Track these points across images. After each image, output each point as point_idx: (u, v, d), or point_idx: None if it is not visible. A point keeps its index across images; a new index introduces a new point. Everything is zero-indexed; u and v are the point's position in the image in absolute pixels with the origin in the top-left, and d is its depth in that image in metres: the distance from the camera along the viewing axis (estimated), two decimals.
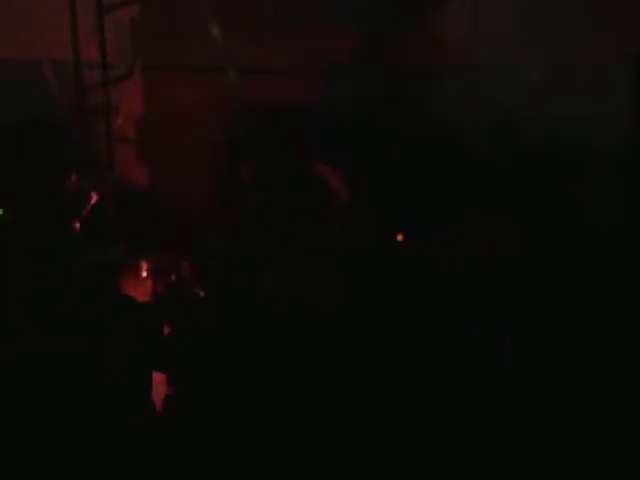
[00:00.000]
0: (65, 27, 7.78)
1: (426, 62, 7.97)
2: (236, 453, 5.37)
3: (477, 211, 7.12)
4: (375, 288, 6.65)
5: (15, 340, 5.55)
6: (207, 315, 6.58)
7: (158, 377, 5.44)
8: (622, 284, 6.69)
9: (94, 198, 6.46)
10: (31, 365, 5.30)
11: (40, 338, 5.43)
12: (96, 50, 7.75)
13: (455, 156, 7.51)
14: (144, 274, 6.77)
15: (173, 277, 6.88)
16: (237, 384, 5.92)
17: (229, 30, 7.86)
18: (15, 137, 7.15)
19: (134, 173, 7.94)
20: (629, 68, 7.61)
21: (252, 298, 6.66)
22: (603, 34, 7.72)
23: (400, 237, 7.27)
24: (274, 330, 6.53)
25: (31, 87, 8.08)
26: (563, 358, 6.09)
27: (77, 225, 6.09)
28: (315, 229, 7.00)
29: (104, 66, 7.71)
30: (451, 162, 7.46)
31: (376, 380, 5.93)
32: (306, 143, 7.51)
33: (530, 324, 6.33)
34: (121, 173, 7.80)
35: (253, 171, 7.41)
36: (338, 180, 7.30)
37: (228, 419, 5.68)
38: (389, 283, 6.69)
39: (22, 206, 6.29)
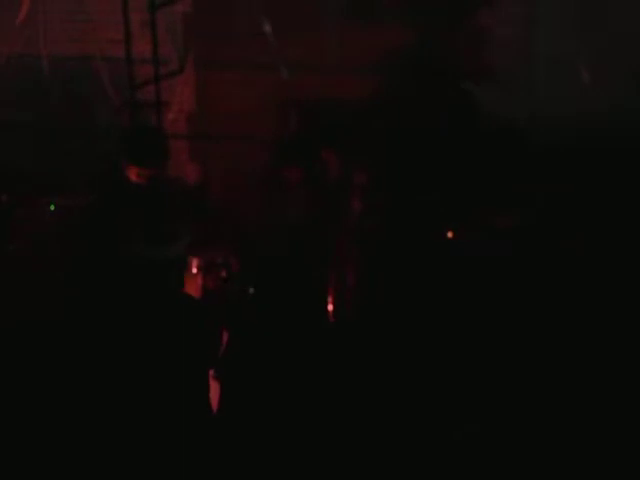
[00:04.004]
0: (117, 23, 7.82)
1: (479, 61, 7.95)
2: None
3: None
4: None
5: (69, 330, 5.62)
6: (256, 312, 6.61)
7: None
8: None
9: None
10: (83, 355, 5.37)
11: (94, 330, 5.51)
12: (148, 45, 7.78)
13: (508, 154, 7.47)
14: (194, 270, 6.81)
15: (223, 274, 6.92)
16: (286, 383, 5.93)
17: (281, 26, 7.86)
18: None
19: (185, 169, 7.96)
20: None
21: (299, 295, 6.66)
22: None
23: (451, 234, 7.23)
24: (320, 328, 6.57)
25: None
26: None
27: (139, 220, 6.14)
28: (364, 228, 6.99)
29: (156, 61, 7.73)
30: (505, 160, 7.42)
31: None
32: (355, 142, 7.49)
33: None
34: (171, 168, 7.84)
35: (302, 170, 7.39)
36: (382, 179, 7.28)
37: (278, 418, 5.70)
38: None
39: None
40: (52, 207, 7.13)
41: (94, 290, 5.72)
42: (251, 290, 6.81)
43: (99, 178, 6.72)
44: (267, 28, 7.87)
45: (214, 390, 5.07)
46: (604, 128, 7.58)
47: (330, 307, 6.66)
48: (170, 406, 4.50)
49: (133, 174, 5.81)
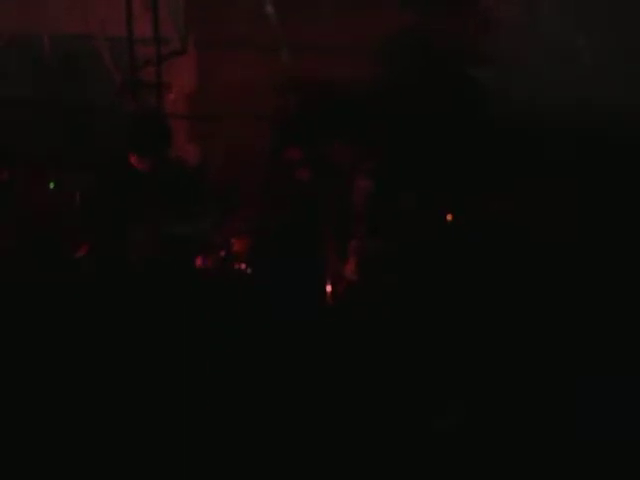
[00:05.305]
0: (119, 2, 7.81)
1: (478, 46, 7.94)
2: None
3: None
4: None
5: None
6: (255, 293, 6.61)
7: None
8: None
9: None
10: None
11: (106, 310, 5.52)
12: (149, 25, 7.77)
13: (509, 143, 7.47)
14: None
15: (222, 254, 6.93)
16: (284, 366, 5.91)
17: (284, 7, 7.85)
18: None
19: (185, 149, 7.96)
20: None
21: (300, 276, 6.65)
22: None
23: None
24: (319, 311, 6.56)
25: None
26: None
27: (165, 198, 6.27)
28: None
29: (157, 41, 7.73)
30: (506, 149, 7.41)
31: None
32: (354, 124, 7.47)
33: None
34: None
35: (303, 151, 7.36)
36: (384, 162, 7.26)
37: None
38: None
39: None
40: (52, 185, 7.12)
41: (108, 268, 5.80)
42: (249, 270, 6.81)
43: (106, 157, 6.74)
44: (269, 8, 7.86)
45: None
46: (606, 113, 7.57)
47: (330, 289, 6.65)
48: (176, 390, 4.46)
49: (133, 160, 6.23)
